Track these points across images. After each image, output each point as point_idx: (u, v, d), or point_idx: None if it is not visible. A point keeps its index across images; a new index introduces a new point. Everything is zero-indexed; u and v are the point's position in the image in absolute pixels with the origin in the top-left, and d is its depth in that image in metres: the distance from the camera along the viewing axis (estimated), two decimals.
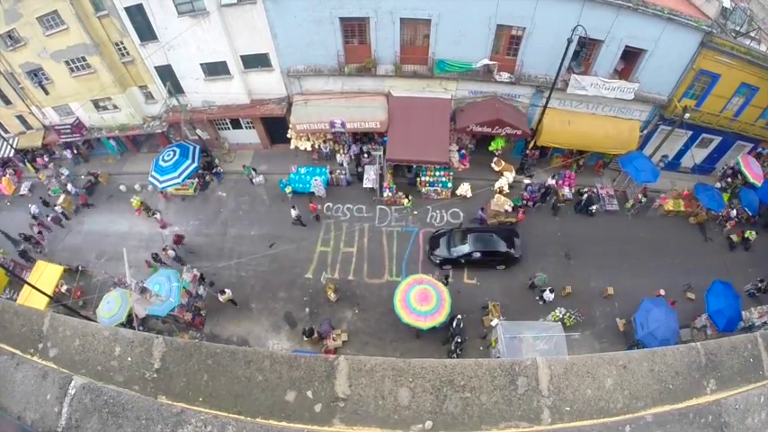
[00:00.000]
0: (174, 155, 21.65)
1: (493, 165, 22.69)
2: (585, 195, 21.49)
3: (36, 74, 22.32)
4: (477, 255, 19.06)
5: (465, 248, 19.19)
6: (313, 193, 22.08)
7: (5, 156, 26.23)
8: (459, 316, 17.43)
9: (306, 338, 17.62)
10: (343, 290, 19.36)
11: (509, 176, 22.16)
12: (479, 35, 18.69)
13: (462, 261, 19.32)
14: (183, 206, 23.31)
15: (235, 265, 20.01)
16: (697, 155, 22.56)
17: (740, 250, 21.06)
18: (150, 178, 21.97)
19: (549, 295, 18.24)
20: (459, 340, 16.96)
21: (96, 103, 23.49)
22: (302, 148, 23.35)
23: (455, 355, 16.80)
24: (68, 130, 24.24)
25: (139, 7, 18.67)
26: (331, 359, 2.72)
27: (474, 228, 20.48)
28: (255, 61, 20.73)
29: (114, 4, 18.91)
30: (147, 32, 19.66)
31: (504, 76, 19.96)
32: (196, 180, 23.27)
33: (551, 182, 22.07)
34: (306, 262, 20.26)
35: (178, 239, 21.14)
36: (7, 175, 25.86)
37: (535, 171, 22.66)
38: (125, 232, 22.54)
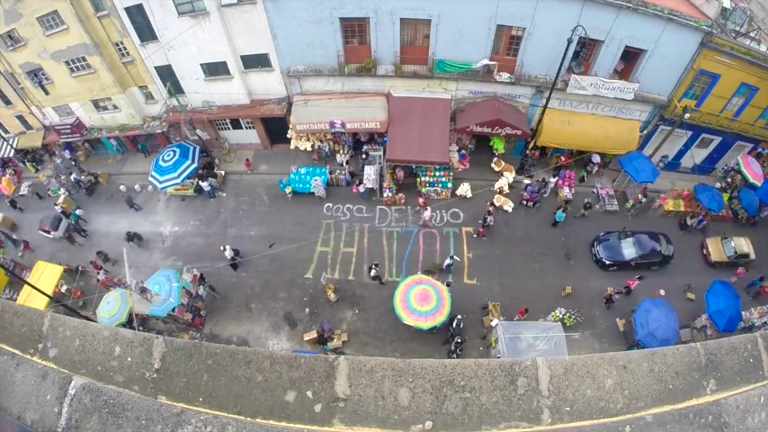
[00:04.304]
0: (174, 155, 21.73)
1: (493, 165, 22.69)
2: None
3: (36, 74, 22.31)
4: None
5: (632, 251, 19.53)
6: (313, 193, 22.08)
7: (5, 156, 26.23)
8: (459, 316, 17.43)
9: (324, 346, 17.67)
10: (344, 290, 19.37)
11: (509, 177, 22.16)
12: (479, 35, 18.68)
13: (632, 264, 19.52)
14: (182, 206, 23.27)
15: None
16: (697, 155, 22.55)
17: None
18: (150, 178, 22.05)
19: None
20: (460, 340, 16.96)
21: (96, 104, 23.48)
22: (302, 148, 23.33)
23: (455, 355, 16.80)
24: (68, 130, 24.25)
25: (139, 7, 18.66)
26: (331, 359, 2.72)
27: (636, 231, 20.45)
28: (255, 61, 20.72)
29: (114, 5, 18.90)
30: (147, 32, 19.66)
31: (504, 76, 19.95)
32: (196, 180, 23.24)
33: (551, 180, 22.03)
34: (306, 262, 20.25)
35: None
36: (7, 175, 25.85)
37: (535, 171, 22.64)
38: (125, 232, 22.50)
